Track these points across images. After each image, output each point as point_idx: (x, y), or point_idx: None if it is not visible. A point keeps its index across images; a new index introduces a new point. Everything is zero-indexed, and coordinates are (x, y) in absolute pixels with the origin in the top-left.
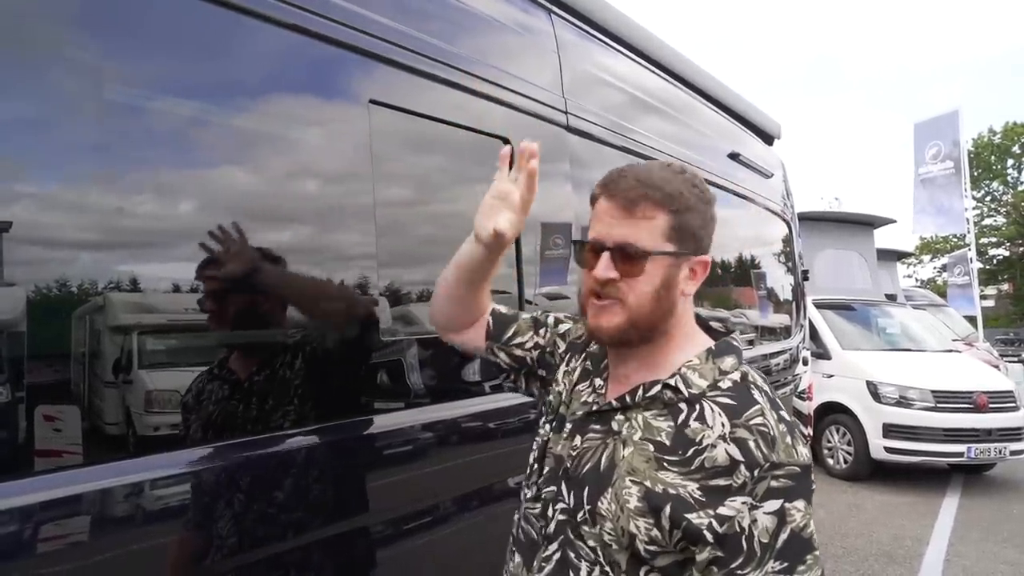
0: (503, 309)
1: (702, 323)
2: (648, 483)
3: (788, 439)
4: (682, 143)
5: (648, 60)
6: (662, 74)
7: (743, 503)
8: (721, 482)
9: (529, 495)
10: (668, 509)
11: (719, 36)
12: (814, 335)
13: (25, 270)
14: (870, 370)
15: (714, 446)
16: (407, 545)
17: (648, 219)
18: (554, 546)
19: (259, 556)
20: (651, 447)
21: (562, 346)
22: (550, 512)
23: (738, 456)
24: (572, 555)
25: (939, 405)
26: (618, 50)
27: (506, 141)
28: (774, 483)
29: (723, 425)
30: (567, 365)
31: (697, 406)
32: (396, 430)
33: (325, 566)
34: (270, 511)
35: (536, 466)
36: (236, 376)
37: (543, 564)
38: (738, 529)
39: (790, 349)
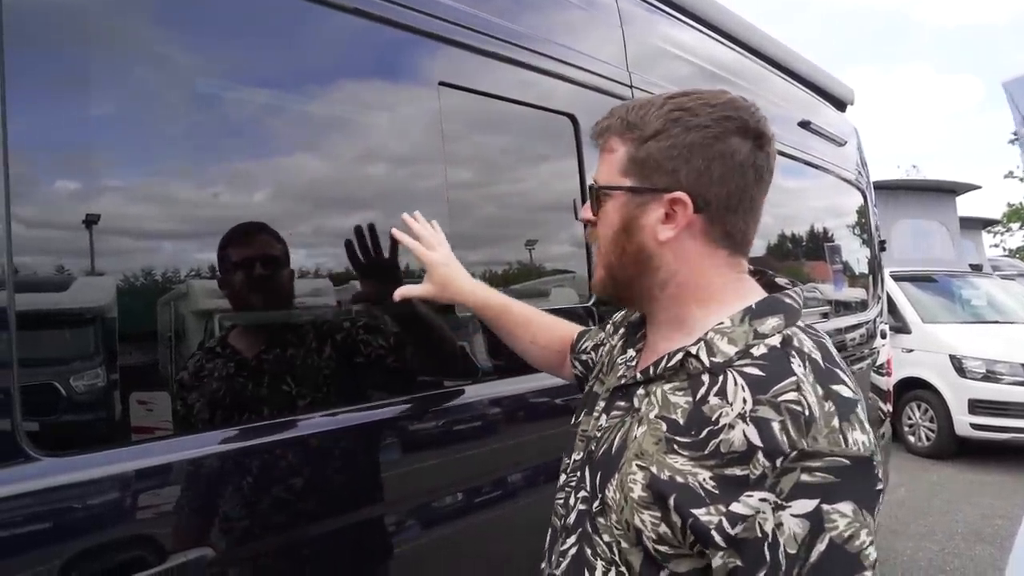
0: (592, 327)
1: (765, 280)
2: (654, 468)
3: (835, 422)
4: None
5: (713, 29)
6: (727, 43)
7: (762, 500)
8: (737, 472)
9: (557, 485)
10: (672, 501)
11: (781, 6)
12: (892, 308)
13: (113, 260)
14: (953, 343)
15: (731, 427)
16: (430, 535)
17: (610, 152)
18: (572, 539)
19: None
20: (664, 426)
21: (611, 329)
22: (571, 501)
23: (756, 440)
24: (588, 551)
25: None
26: (682, 20)
27: (572, 118)
28: (806, 477)
29: (744, 401)
30: (609, 344)
31: (720, 377)
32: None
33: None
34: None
35: (566, 455)
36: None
37: (560, 559)
38: (759, 534)
39: (867, 323)
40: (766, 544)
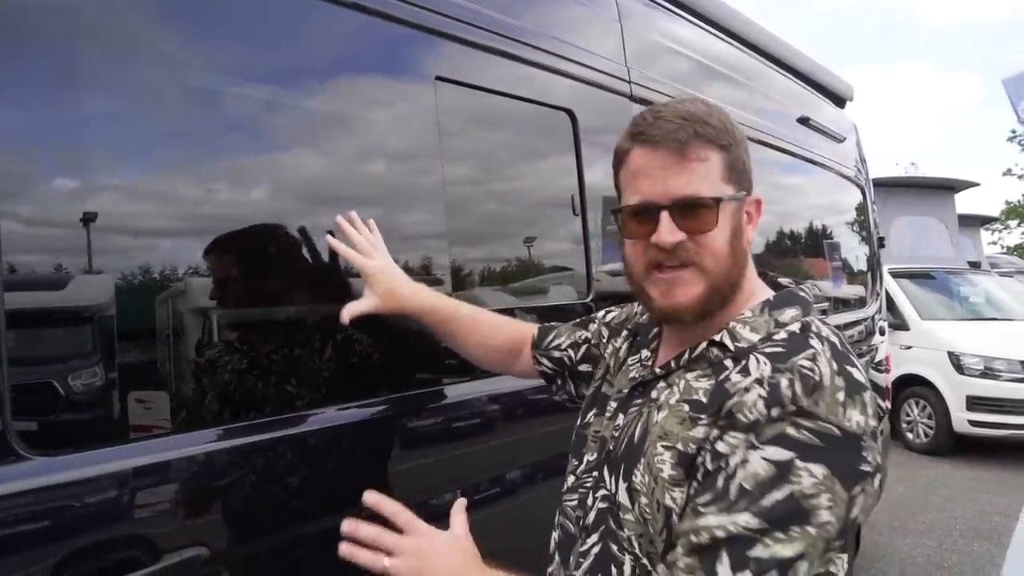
0: (554, 324)
1: (770, 280)
2: (680, 445)
3: (840, 395)
4: (750, 109)
5: (712, 25)
6: (727, 39)
7: (743, 440)
8: (738, 418)
9: (565, 487)
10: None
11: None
12: (891, 306)
13: (110, 258)
14: (952, 340)
15: (748, 390)
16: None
17: (703, 161)
18: (594, 538)
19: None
20: (687, 407)
21: (607, 333)
22: (590, 500)
23: (764, 394)
24: (615, 547)
25: None
26: (681, 16)
27: (570, 113)
28: (791, 431)
29: (763, 372)
30: (613, 348)
31: (743, 360)
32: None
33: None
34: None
35: (572, 456)
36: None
37: (580, 560)
38: (722, 465)
39: (865, 320)
40: (723, 474)
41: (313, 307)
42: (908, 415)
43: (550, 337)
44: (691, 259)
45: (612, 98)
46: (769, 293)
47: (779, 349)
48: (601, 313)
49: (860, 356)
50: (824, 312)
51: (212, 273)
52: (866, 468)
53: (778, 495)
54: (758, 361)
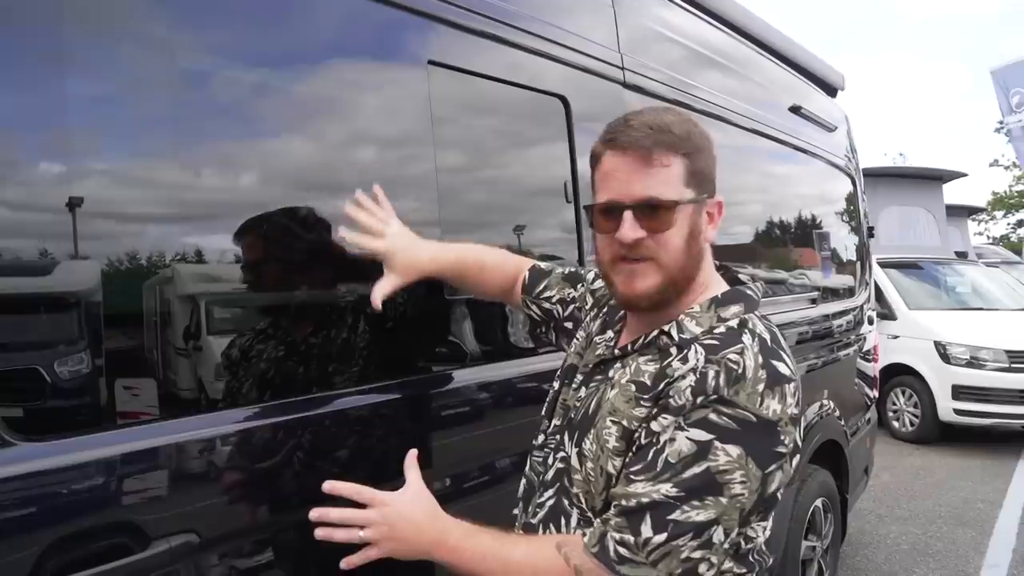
0: (543, 265)
1: (729, 276)
2: (625, 422)
3: (760, 387)
4: (742, 97)
5: (705, 12)
6: (719, 26)
7: (673, 421)
8: (669, 402)
9: (535, 443)
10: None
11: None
12: (878, 295)
13: (97, 244)
14: (938, 330)
15: (683, 377)
16: (465, 504)
17: (665, 167)
18: (549, 492)
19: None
20: (633, 387)
21: (590, 301)
22: (551, 460)
23: (692, 383)
24: (566, 502)
25: (1013, 365)
26: (674, 2)
27: (563, 99)
28: (713, 416)
29: (698, 361)
30: (590, 319)
31: (685, 350)
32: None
33: None
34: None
35: (545, 419)
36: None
37: (537, 510)
38: (654, 441)
39: (853, 309)
40: (653, 448)
41: (303, 292)
42: (894, 404)
43: (541, 286)
44: (649, 254)
45: (605, 84)
46: (722, 288)
47: (714, 342)
48: (590, 276)
49: (848, 346)
50: (813, 302)
51: (203, 258)
52: (782, 450)
53: (696, 470)
54: (696, 351)
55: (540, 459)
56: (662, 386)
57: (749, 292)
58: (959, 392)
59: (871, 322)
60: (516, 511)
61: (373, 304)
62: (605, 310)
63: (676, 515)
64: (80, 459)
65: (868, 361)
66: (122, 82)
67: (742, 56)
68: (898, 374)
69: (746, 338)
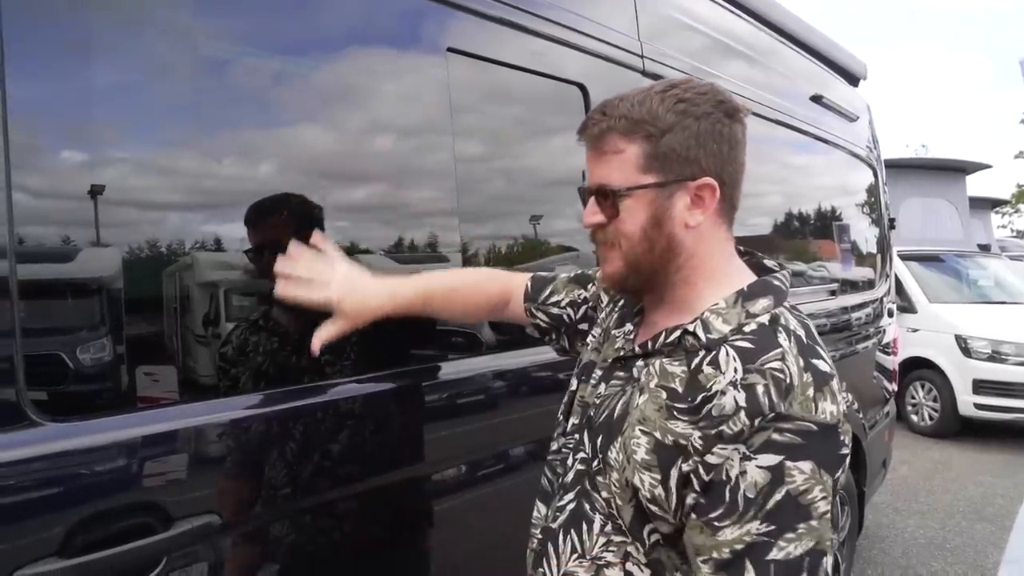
0: (544, 273)
1: (755, 262)
2: (658, 434)
3: (810, 391)
4: (762, 86)
5: (726, 0)
6: (741, 14)
7: (735, 450)
8: (722, 429)
9: (553, 447)
10: (679, 462)
11: None
12: (898, 288)
13: (118, 231)
14: (959, 324)
15: (723, 392)
16: (460, 497)
17: (617, 153)
18: (570, 495)
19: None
20: (664, 394)
21: (605, 299)
22: (570, 461)
23: (742, 403)
24: (587, 506)
25: None
26: None
27: (582, 88)
28: (776, 436)
29: (735, 371)
30: (606, 314)
31: (714, 351)
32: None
33: (377, 516)
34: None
35: (562, 419)
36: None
37: (557, 513)
38: (724, 478)
39: (873, 302)
40: (728, 487)
41: None
42: (913, 397)
43: (547, 292)
44: (609, 239)
45: (625, 73)
46: (748, 277)
47: (748, 345)
48: (600, 274)
49: (867, 338)
50: (832, 294)
51: (222, 246)
52: (844, 451)
53: (778, 497)
54: (728, 355)
55: (558, 460)
56: (699, 399)
57: (777, 283)
58: (980, 386)
59: (891, 315)
60: (536, 515)
61: (312, 349)
62: (621, 303)
63: (775, 554)
64: (102, 440)
65: (887, 354)
66: (142, 70)
67: (762, 44)
68: (918, 367)
69: (782, 339)
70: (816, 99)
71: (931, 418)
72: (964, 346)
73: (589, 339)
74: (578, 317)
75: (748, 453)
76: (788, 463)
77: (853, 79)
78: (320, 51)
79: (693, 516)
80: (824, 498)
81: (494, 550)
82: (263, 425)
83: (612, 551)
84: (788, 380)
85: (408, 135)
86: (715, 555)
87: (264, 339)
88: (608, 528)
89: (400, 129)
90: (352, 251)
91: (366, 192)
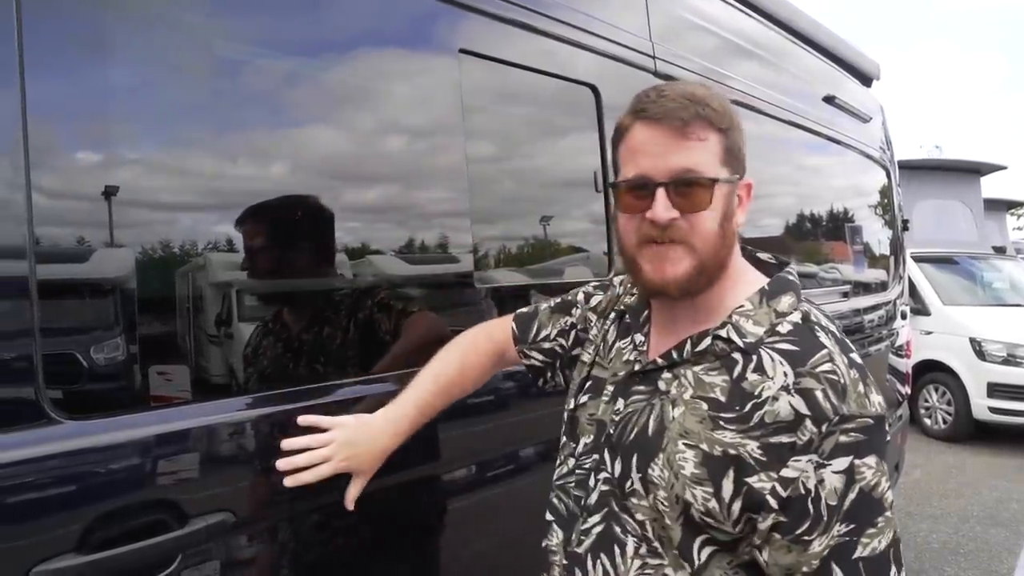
0: (525, 309)
1: (749, 255)
2: (705, 446)
3: (860, 387)
4: (775, 86)
5: (738, 0)
6: (752, 14)
7: (808, 461)
8: (784, 439)
9: (564, 470)
10: (732, 473)
11: None
12: (912, 290)
13: (132, 232)
14: (974, 326)
15: (776, 399)
16: (462, 498)
17: (702, 140)
18: (595, 518)
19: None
20: (705, 405)
21: (593, 318)
22: (591, 482)
23: (804, 409)
24: (618, 529)
25: None
26: None
27: (593, 89)
28: (843, 438)
29: (785, 375)
30: (599, 331)
31: (754, 356)
32: None
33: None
34: None
35: (568, 439)
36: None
37: (582, 537)
38: (803, 491)
39: (886, 304)
40: (809, 499)
41: (333, 280)
42: (927, 401)
43: (533, 330)
44: (682, 237)
45: (636, 74)
46: (755, 274)
47: (791, 347)
48: (582, 297)
49: (880, 341)
50: (845, 295)
51: (235, 247)
52: (888, 437)
53: (852, 495)
54: (772, 360)
55: (573, 482)
56: (748, 407)
57: (792, 277)
58: (995, 390)
59: (904, 317)
60: (553, 542)
61: (347, 506)
62: (613, 315)
63: (860, 551)
64: (119, 438)
65: (900, 357)
66: (157, 71)
67: (775, 45)
68: (931, 370)
69: (823, 338)
70: (829, 100)
71: (945, 422)
72: (978, 349)
73: (584, 357)
74: (571, 344)
75: (822, 461)
76: (856, 461)
77: (866, 79)
78: (333, 53)
79: (777, 536)
80: (889, 487)
81: (501, 550)
82: (272, 425)
83: (648, 574)
84: (842, 381)
85: (420, 136)
86: (806, 568)
87: (273, 341)
88: (643, 551)
89: (412, 130)
90: (365, 251)
91: (379, 193)
